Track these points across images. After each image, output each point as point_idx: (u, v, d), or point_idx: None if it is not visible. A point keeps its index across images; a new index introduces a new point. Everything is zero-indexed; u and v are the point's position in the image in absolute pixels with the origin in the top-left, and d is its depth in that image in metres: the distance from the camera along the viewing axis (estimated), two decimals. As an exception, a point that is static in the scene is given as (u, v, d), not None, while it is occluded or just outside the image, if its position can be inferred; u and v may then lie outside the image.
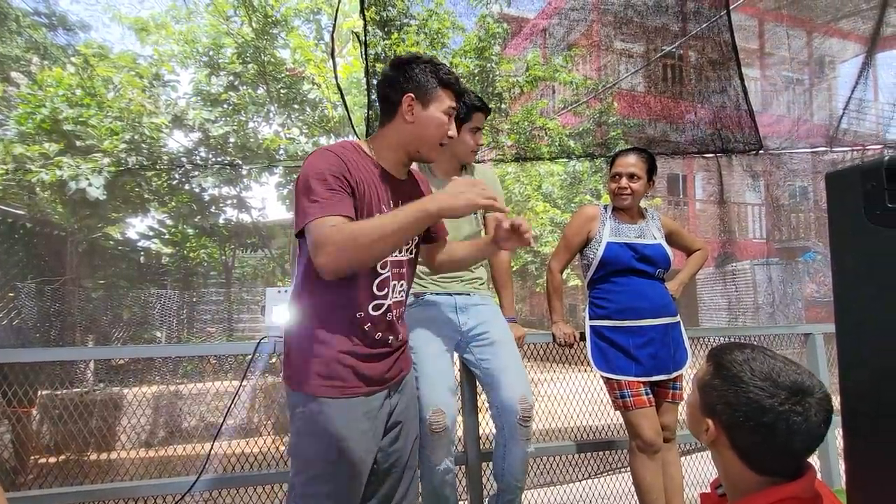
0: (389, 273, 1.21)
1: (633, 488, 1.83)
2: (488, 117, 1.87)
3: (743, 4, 3.50)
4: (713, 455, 0.91)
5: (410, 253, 1.29)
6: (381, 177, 1.20)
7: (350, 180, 1.11)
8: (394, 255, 1.22)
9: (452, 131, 1.24)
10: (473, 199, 1.06)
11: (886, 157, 0.89)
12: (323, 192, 1.07)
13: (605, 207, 1.98)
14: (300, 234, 1.10)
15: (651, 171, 1.91)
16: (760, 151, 3.56)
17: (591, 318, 1.90)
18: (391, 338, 1.23)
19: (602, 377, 1.86)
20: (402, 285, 1.26)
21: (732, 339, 2.51)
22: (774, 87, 4.51)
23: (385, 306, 1.20)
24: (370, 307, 1.18)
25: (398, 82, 1.19)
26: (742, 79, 3.22)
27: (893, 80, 3.75)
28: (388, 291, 1.21)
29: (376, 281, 1.19)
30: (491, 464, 1.74)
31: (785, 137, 3.78)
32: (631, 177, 1.87)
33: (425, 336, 1.66)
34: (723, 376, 0.86)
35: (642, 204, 2.01)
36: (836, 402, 0.93)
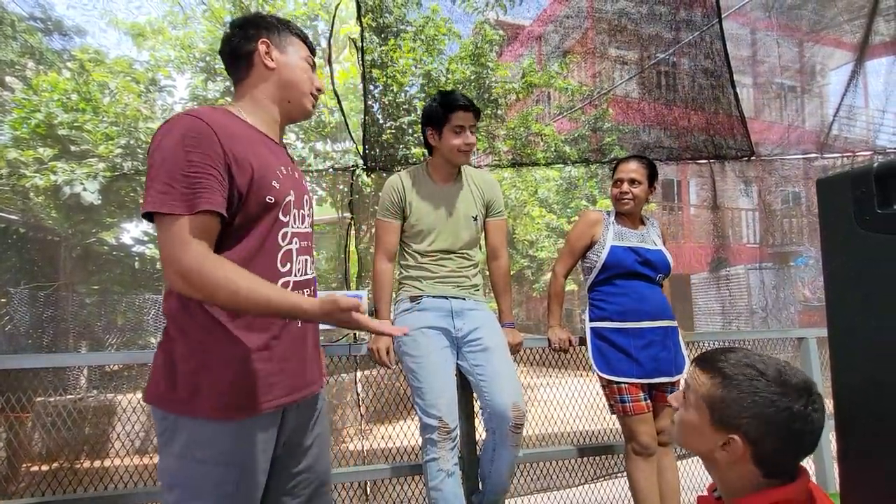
0: (294, 246, 1.09)
1: (630, 492, 1.84)
2: (482, 121, 1.89)
3: (734, 13, 3.55)
4: (712, 465, 0.88)
5: (308, 226, 1.17)
6: (264, 142, 1.08)
7: (223, 156, 0.94)
8: (298, 225, 1.10)
9: (318, 83, 1.17)
10: (345, 324, 0.95)
11: (876, 164, 0.91)
12: (184, 177, 0.89)
13: (609, 213, 2.00)
14: (148, 216, 0.91)
15: (652, 176, 1.95)
16: (752, 158, 3.60)
17: (591, 320, 1.92)
18: (300, 323, 1.09)
19: (601, 380, 1.87)
20: (307, 260, 1.14)
21: (727, 344, 2.53)
22: (766, 94, 4.57)
23: (291, 284, 1.08)
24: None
25: (247, 32, 1.09)
26: (734, 86, 3.27)
27: (882, 88, 3.81)
28: (291, 267, 1.08)
29: (279, 254, 1.06)
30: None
31: (776, 144, 3.83)
32: (632, 182, 1.91)
33: (426, 344, 1.67)
34: (739, 388, 0.82)
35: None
36: (829, 405, 0.94)
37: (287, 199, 1.07)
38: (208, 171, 0.92)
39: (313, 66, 1.17)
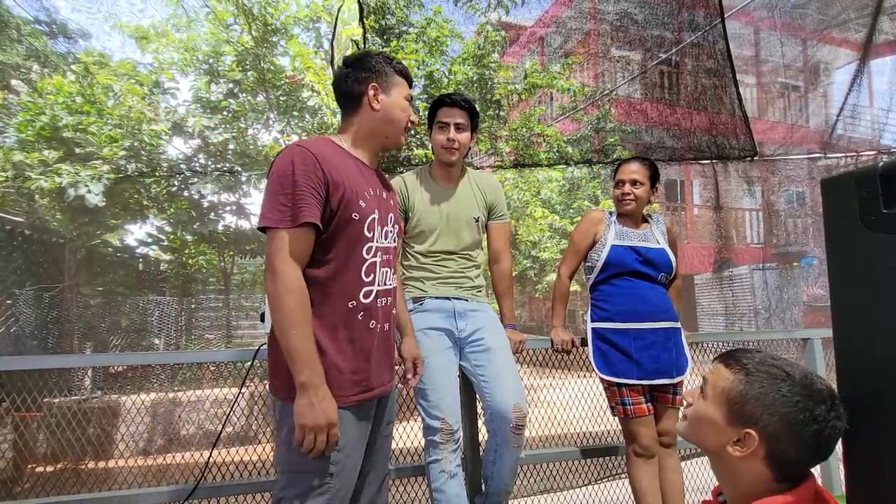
0: (377, 259, 1.23)
1: (632, 494, 1.83)
2: (484, 122, 1.89)
3: (737, 12, 3.54)
4: (722, 463, 0.86)
5: (393, 241, 1.31)
6: (358, 167, 1.25)
7: (323, 178, 1.13)
8: (381, 241, 1.25)
9: (414, 116, 1.33)
10: (318, 425, 1.06)
11: (880, 164, 0.90)
12: (289, 196, 1.09)
13: (611, 213, 2.00)
14: (262, 229, 1.12)
15: (654, 177, 1.94)
16: (756, 158, 3.59)
17: (592, 321, 1.91)
18: (381, 327, 1.24)
19: (602, 382, 1.87)
20: (389, 272, 1.28)
21: (731, 344, 2.52)
22: (769, 93, 4.55)
23: (374, 293, 1.22)
24: (361, 294, 1.19)
25: (359, 75, 1.25)
26: (737, 86, 3.26)
27: (887, 87, 3.79)
28: (374, 277, 1.22)
29: (363, 266, 1.20)
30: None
31: (780, 143, 3.81)
32: (633, 183, 1.90)
33: (429, 346, 1.67)
34: (760, 384, 0.82)
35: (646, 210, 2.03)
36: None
37: (371, 217, 1.22)
38: (310, 192, 1.11)
39: (410, 99, 1.33)
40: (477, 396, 1.84)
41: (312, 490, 1.10)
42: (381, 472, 1.33)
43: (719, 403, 0.85)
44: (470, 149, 1.86)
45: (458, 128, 1.71)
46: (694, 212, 11.36)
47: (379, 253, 1.24)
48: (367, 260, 1.20)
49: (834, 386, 0.84)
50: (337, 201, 1.15)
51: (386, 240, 1.27)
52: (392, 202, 1.35)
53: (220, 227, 8.12)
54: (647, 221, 2.00)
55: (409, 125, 1.32)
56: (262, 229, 1.12)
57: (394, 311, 1.33)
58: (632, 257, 1.88)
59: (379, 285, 1.23)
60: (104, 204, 6.62)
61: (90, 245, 7.55)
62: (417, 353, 1.54)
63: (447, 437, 1.58)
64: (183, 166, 7.61)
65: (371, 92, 1.24)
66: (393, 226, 1.31)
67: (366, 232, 1.20)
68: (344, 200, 1.15)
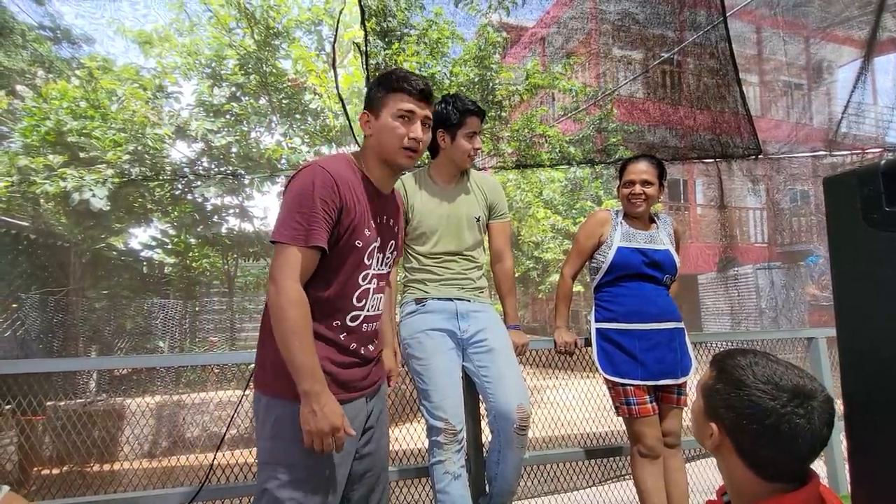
0: (371, 286, 1.26)
1: (636, 494, 1.83)
2: (486, 123, 1.92)
3: (739, 11, 3.53)
4: (718, 462, 0.91)
5: (388, 267, 1.35)
6: (368, 192, 1.26)
7: (338, 203, 1.16)
8: (378, 268, 1.28)
9: (414, 132, 1.23)
10: (322, 430, 1.08)
11: (883, 162, 0.90)
12: (305, 216, 1.12)
13: (617, 212, 1.98)
14: (272, 241, 1.15)
15: (661, 176, 1.93)
16: (760, 156, 3.57)
17: (597, 321, 1.91)
18: (363, 350, 1.26)
19: (607, 382, 1.86)
20: (380, 297, 1.31)
21: (735, 345, 2.51)
22: (772, 92, 4.53)
23: (361, 317, 1.25)
24: (348, 318, 1.22)
25: (365, 105, 1.30)
26: (740, 84, 3.25)
27: (891, 84, 3.77)
28: (365, 303, 1.25)
29: (357, 293, 1.23)
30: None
31: (784, 142, 3.80)
32: (644, 183, 1.89)
33: (432, 347, 1.67)
34: (725, 380, 0.87)
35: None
36: (839, 405, 0.93)
37: (373, 246, 1.25)
38: (324, 216, 1.14)
39: (405, 117, 1.22)
40: (480, 397, 1.84)
41: (296, 481, 1.12)
42: (381, 464, 1.38)
43: (700, 398, 0.93)
44: None
45: (479, 135, 1.82)
46: (697, 211, 11.31)
47: (374, 280, 1.27)
48: (361, 286, 1.24)
49: (818, 385, 0.84)
50: (345, 227, 1.18)
51: (383, 267, 1.30)
52: (397, 228, 1.37)
53: (223, 230, 8.16)
54: (653, 222, 1.98)
55: (410, 142, 1.22)
56: (273, 241, 1.14)
57: (378, 332, 1.36)
58: (638, 259, 1.86)
59: (368, 311, 1.26)
60: (108, 208, 6.67)
61: (95, 249, 7.59)
62: (392, 366, 1.60)
63: (451, 438, 1.58)
64: (186, 170, 7.65)
65: (363, 120, 1.28)
66: (392, 252, 1.34)
67: (365, 260, 1.23)
68: (352, 227, 1.19)
